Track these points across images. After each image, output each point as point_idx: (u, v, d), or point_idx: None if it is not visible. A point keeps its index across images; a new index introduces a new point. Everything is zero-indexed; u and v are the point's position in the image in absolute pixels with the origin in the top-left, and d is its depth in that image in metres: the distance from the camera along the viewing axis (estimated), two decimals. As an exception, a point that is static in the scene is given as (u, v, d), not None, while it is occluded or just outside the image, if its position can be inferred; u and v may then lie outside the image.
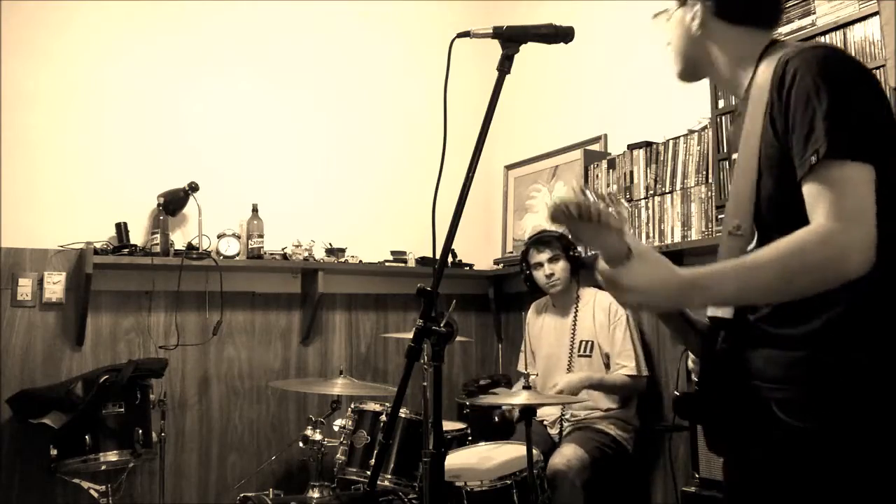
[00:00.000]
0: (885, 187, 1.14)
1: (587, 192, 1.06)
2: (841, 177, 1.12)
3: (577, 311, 3.14)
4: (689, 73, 1.48)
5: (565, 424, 3.06)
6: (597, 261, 1.16)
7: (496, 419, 3.01)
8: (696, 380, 1.39)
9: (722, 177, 2.78)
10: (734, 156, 1.40)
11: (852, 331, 1.19)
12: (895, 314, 1.20)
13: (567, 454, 2.75)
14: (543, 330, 3.28)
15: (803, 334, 1.22)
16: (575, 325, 3.13)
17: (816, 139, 1.14)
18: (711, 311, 1.35)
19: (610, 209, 1.07)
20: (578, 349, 3.09)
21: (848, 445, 1.19)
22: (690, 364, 1.43)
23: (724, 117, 2.72)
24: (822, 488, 1.22)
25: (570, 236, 1.09)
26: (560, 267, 3.09)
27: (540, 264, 3.12)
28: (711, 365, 1.33)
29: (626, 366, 2.98)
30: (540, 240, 3.12)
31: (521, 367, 3.36)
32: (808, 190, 1.16)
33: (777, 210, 1.25)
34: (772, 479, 1.30)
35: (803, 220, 1.16)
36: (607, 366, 3.04)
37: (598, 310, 3.09)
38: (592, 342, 3.06)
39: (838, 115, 1.14)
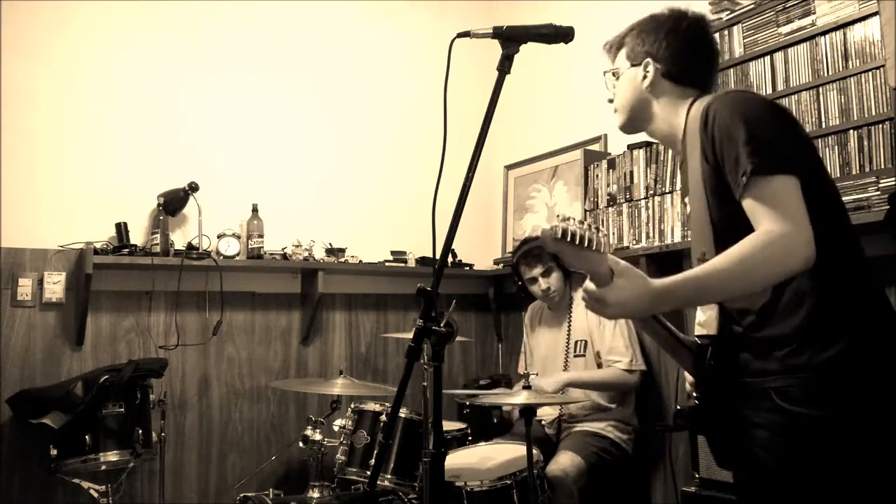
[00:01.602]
0: (813, 193, 1.32)
1: (571, 218, 1.19)
2: (769, 189, 1.31)
3: (571, 312, 3.14)
4: (632, 125, 1.69)
5: (563, 425, 3.06)
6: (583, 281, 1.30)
7: (495, 420, 3.00)
8: (693, 394, 1.50)
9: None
10: (686, 199, 1.58)
11: (830, 318, 1.34)
12: (860, 301, 1.37)
13: (563, 462, 2.74)
14: (540, 332, 3.29)
15: (791, 330, 1.36)
16: (570, 326, 3.13)
17: (742, 164, 1.33)
18: (698, 331, 1.49)
19: (596, 236, 1.20)
20: (574, 349, 3.10)
21: (847, 426, 1.30)
22: (688, 387, 1.54)
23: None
24: (824, 469, 1.31)
25: (561, 260, 1.24)
26: (555, 278, 3.09)
27: (534, 279, 3.10)
28: (705, 379, 1.46)
29: (619, 361, 2.98)
30: (528, 253, 3.10)
31: (521, 369, 3.36)
32: (747, 206, 1.34)
33: (730, 228, 1.39)
34: (775, 467, 1.38)
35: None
36: (600, 365, 3.03)
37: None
38: (586, 341, 3.07)
39: (755, 141, 1.33)
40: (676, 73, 1.58)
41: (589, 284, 1.28)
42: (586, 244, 1.19)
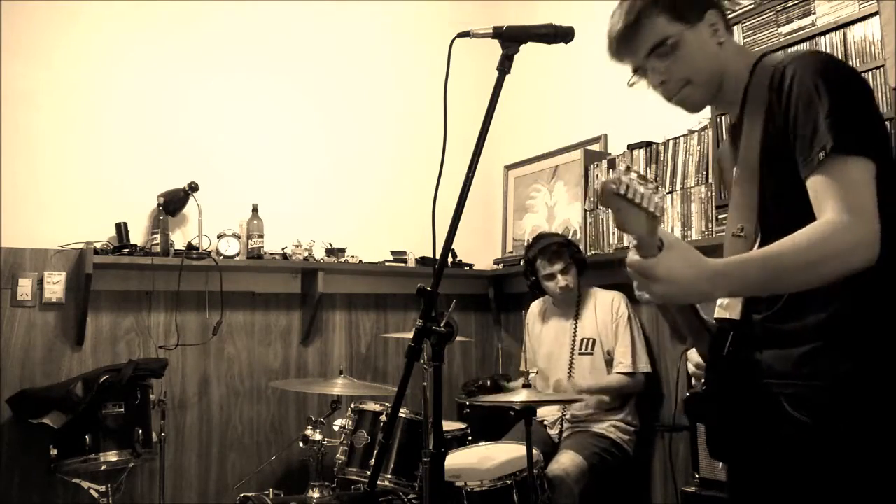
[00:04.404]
0: (881, 181, 1.18)
1: (636, 171, 1.04)
2: (846, 171, 1.16)
3: (578, 309, 3.14)
4: (709, 98, 1.41)
5: (565, 425, 3.06)
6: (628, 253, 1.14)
7: (512, 413, 2.97)
8: (700, 382, 1.38)
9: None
10: (735, 170, 1.41)
11: (858, 322, 1.22)
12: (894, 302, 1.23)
13: (565, 462, 2.75)
14: (545, 329, 3.28)
15: (811, 327, 1.25)
16: (577, 323, 3.13)
17: (822, 137, 1.18)
18: (719, 313, 1.36)
19: (654, 196, 1.05)
20: (580, 347, 3.09)
21: (857, 441, 1.20)
22: (691, 368, 1.43)
23: (723, 117, 2.72)
24: (831, 484, 1.22)
25: (613, 219, 1.08)
26: (572, 276, 3.08)
27: (552, 276, 3.09)
28: (720, 366, 1.33)
29: (621, 363, 2.98)
30: (548, 248, 3.08)
31: (522, 367, 3.36)
32: (815, 184, 1.19)
33: (782, 208, 1.27)
34: (780, 476, 1.30)
35: (807, 218, 1.18)
36: (609, 363, 3.04)
37: (600, 308, 3.09)
38: (594, 340, 3.06)
39: (840, 114, 1.18)
40: (727, 20, 1.39)
41: (634, 257, 1.10)
42: (645, 204, 1.03)
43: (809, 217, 1.19)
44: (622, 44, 1.41)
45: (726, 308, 1.35)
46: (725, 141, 1.54)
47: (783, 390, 1.27)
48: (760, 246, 1.28)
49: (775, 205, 1.30)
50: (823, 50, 2.41)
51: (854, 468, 1.20)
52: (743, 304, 1.33)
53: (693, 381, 1.42)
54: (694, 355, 1.42)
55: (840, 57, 2.37)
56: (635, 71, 1.44)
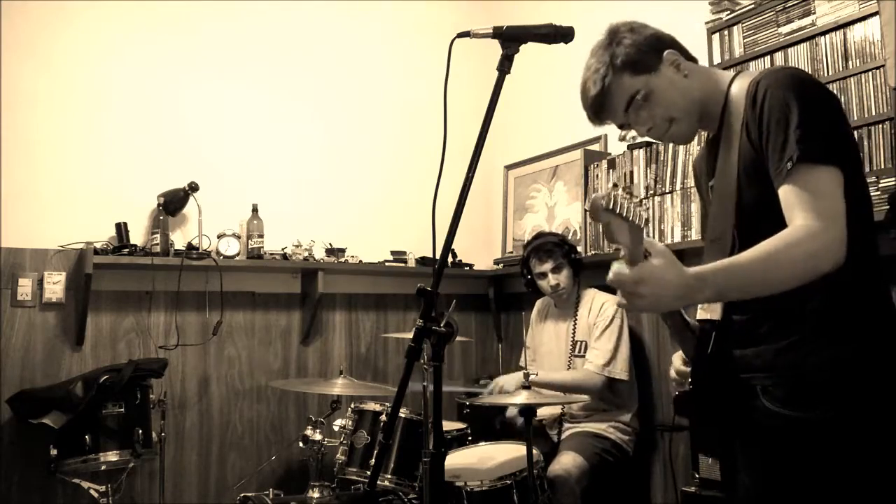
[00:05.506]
0: (849, 189, 1.26)
1: (621, 188, 1.13)
2: (814, 179, 1.24)
3: (576, 312, 3.14)
4: (696, 126, 1.50)
5: (564, 425, 3.06)
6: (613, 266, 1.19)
7: (498, 426, 2.99)
8: (682, 385, 1.48)
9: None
10: (713, 182, 1.49)
11: (836, 316, 1.30)
12: (868, 304, 1.33)
13: (566, 463, 2.74)
14: (545, 329, 3.29)
15: (792, 323, 1.33)
16: (574, 326, 3.13)
17: (790, 147, 1.26)
18: (700, 315, 1.44)
19: (638, 210, 1.13)
20: (574, 350, 3.10)
21: (832, 431, 1.27)
22: (672, 374, 1.52)
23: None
24: (807, 472, 1.29)
25: (603, 232, 1.19)
26: (564, 275, 3.08)
27: (543, 274, 3.10)
28: (705, 364, 1.41)
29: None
30: (541, 247, 3.10)
31: (521, 363, 3.36)
32: (785, 192, 1.27)
33: (758, 215, 1.34)
34: (759, 465, 1.37)
35: (781, 225, 1.25)
36: None
37: (592, 311, 3.09)
38: (586, 342, 3.07)
39: (808, 126, 1.26)
40: (684, 52, 1.50)
41: (622, 269, 1.15)
42: (630, 216, 1.11)
43: (783, 224, 1.25)
44: (600, 110, 1.50)
45: (707, 309, 1.43)
46: (703, 149, 1.62)
47: (761, 382, 1.35)
48: (739, 250, 1.34)
49: (751, 213, 1.37)
50: (823, 52, 2.42)
51: (839, 453, 1.26)
52: (723, 304, 1.41)
53: (673, 385, 1.52)
54: (676, 361, 1.52)
55: (840, 57, 2.38)
56: (621, 126, 1.53)
